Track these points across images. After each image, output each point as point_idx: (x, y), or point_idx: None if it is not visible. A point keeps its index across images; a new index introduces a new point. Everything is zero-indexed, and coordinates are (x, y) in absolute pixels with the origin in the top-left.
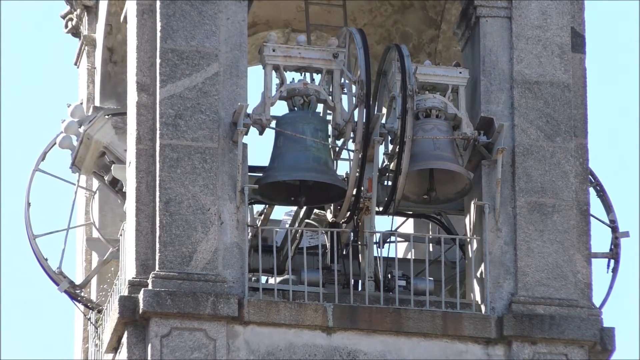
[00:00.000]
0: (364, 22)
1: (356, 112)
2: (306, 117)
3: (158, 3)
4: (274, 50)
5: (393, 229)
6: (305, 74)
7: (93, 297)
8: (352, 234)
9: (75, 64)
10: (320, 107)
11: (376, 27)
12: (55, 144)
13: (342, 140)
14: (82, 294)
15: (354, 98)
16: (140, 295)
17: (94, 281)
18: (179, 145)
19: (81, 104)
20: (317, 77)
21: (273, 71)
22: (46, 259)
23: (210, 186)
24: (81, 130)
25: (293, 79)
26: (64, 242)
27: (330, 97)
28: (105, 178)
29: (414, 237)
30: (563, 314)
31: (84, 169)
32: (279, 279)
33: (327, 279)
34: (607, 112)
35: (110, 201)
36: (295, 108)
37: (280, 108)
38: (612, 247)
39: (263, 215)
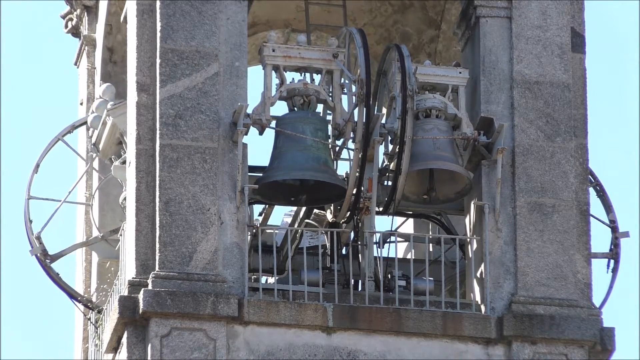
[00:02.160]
0: (364, 22)
1: (356, 111)
2: (306, 117)
3: (158, 3)
4: (273, 50)
5: (393, 229)
6: (305, 74)
7: (93, 297)
8: (352, 234)
9: (75, 64)
10: (320, 108)
11: (376, 27)
12: (86, 122)
13: (342, 140)
14: (50, 264)
15: (353, 97)
16: (140, 295)
17: (94, 281)
18: (179, 145)
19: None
20: (317, 78)
21: (273, 71)
22: (31, 221)
23: (210, 186)
24: (105, 110)
25: (293, 79)
26: (55, 211)
27: (330, 98)
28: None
29: (414, 237)
30: (563, 314)
31: (101, 152)
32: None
33: (327, 279)
34: (607, 112)
35: (111, 201)
36: (295, 108)
37: (280, 108)
38: (612, 247)
39: (263, 215)
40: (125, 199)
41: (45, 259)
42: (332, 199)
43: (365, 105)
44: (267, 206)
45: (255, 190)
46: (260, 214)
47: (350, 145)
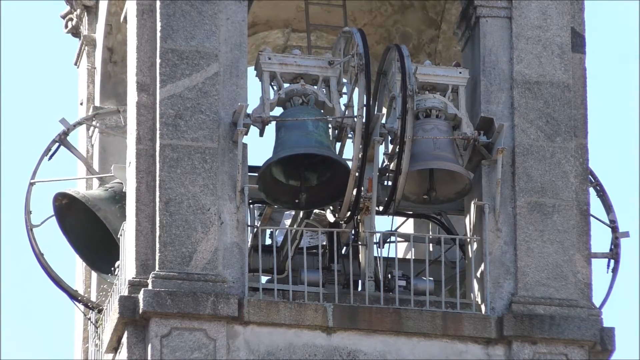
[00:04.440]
0: (364, 22)
1: (356, 100)
2: (306, 109)
3: (158, 3)
4: (269, 59)
5: (393, 229)
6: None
7: (93, 297)
8: (352, 233)
9: (75, 64)
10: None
11: (376, 27)
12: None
13: (343, 132)
14: (59, 144)
15: (353, 78)
16: (140, 295)
17: (93, 281)
18: (179, 145)
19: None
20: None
21: (270, 85)
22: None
23: (210, 186)
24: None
25: (290, 84)
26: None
27: (328, 100)
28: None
29: (414, 237)
30: (563, 314)
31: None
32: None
33: (327, 279)
34: (607, 112)
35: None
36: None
37: (279, 113)
38: (612, 247)
39: (263, 215)
40: (113, 182)
41: (62, 135)
42: (332, 200)
43: (365, 76)
44: (266, 206)
45: (257, 188)
46: (260, 214)
47: (350, 142)
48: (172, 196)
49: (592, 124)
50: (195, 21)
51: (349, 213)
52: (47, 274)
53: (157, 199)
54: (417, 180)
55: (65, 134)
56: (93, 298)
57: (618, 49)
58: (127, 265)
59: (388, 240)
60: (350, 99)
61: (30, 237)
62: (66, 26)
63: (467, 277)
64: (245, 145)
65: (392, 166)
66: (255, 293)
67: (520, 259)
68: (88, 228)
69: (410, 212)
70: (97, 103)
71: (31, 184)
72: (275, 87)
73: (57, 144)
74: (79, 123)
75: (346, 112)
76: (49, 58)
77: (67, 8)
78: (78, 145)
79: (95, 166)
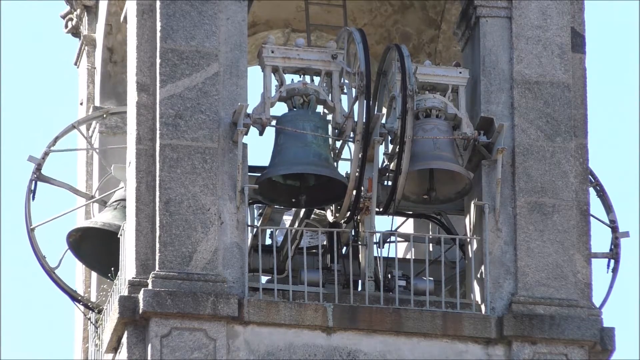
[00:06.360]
0: (364, 22)
1: (356, 107)
2: (306, 114)
3: (158, 3)
4: (272, 52)
5: (393, 229)
6: (304, 77)
7: (93, 297)
8: (352, 233)
9: (75, 64)
10: (319, 109)
11: (376, 27)
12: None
13: (343, 135)
14: (36, 180)
15: (353, 90)
16: (140, 295)
17: (93, 281)
18: (179, 145)
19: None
20: (317, 80)
21: (272, 73)
22: (55, 141)
23: (210, 186)
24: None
25: (292, 80)
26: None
27: (329, 98)
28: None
29: (414, 237)
30: (563, 314)
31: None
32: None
33: (327, 279)
34: (607, 112)
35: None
36: (295, 108)
37: (280, 110)
38: (612, 247)
39: (263, 215)
40: (117, 200)
41: (36, 172)
42: (332, 200)
43: (366, 98)
44: (266, 206)
45: (255, 190)
46: (260, 214)
47: (351, 143)
48: (172, 196)
49: (592, 124)
50: (195, 21)
51: (349, 213)
52: (47, 274)
53: (157, 199)
54: (417, 180)
55: (38, 169)
56: (93, 298)
57: (618, 49)
58: (127, 265)
59: (388, 240)
60: (350, 111)
61: (53, 279)
62: (66, 26)
63: (467, 277)
64: (245, 145)
65: (392, 166)
66: (255, 293)
67: (520, 259)
68: (103, 249)
69: (410, 212)
70: (97, 103)
71: (31, 230)
72: (277, 81)
73: (34, 182)
74: (49, 150)
75: (345, 122)
76: (49, 58)
77: (67, 8)
78: (77, 146)
79: (95, 166)
